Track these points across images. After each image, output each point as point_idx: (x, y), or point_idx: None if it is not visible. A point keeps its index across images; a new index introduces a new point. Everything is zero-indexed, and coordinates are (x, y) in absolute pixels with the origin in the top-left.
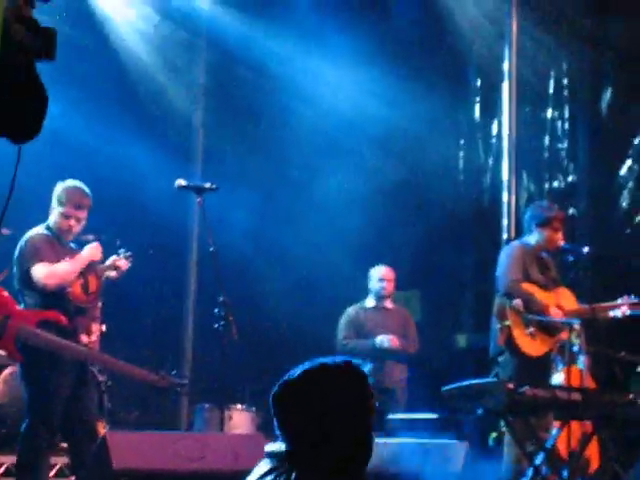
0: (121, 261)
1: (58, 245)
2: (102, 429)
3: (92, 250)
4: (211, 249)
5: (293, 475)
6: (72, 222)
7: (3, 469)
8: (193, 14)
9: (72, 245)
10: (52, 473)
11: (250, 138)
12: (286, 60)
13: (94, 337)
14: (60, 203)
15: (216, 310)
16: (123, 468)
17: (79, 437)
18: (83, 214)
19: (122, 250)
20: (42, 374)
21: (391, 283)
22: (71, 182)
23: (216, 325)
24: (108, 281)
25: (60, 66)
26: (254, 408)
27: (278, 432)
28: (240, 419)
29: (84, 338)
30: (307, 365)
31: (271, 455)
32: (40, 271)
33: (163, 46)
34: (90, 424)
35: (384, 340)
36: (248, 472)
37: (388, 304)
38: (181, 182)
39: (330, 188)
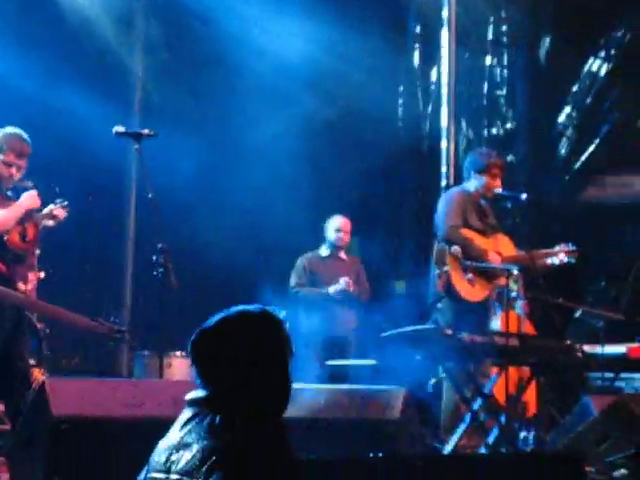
0: (58, 210)
1: None
2: (41, 376)
3: (30, 198)
4: (149, 196)
5: (216, 419)
6: (13, 170)
7: None
8: None
9: (9, 193)
10: None
11: (190, 85)
12: (226, 7)
13: (31, 285)
14: (0, 150)
15: (154, 257)
16: (62, 414)
17: (13, 384)
18: (24, 162)
19: (59, 200)
20: None
21: (347, 234)
22: (10, 129)
23: (155, 272)
24: (45, 229)
25: None
26: None
27: (197, 380)
28: (179, 366)
29: (21, 286)
30: (224, 313)
31: (191, 403)
32: None
33: None
34: (25, 372)
35: (342, 282)
36: None
37: (342, 254)
38: (119, 128)
39: (271, 134)
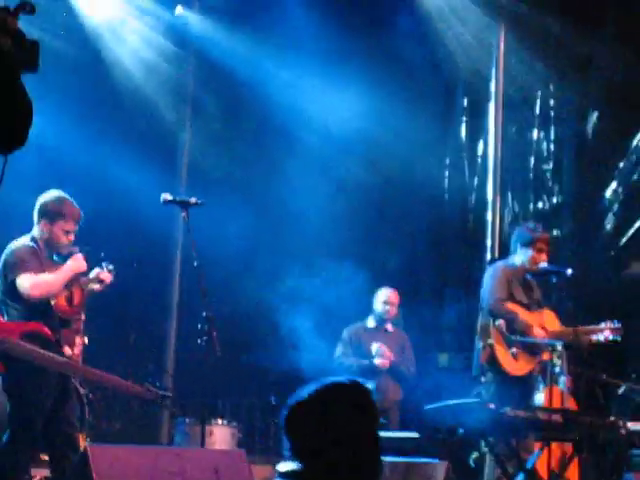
0: (104, 274)
1: (43, 257)
2: (83, 442)
3: (77, 262)
4: (195, 264)
5: None
6: (71, 237)
7: None
8: (183, 29)
9: (55, 258)
10: None
11: (237, 153)
12: (276, 77)
13: (77, 350)
14: (61, 217)
15: (199, 325)
16: None
17: (60, 449)
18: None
19: (105, 263)
20: (24, 386)
21: (394, 307)
22: (58, 194)
23: (199, 340)
24: (91, 294)
25: (47, 78)
26: (235, 423)
27: (289, 452)
28: (221, 434)
29: (67, 350)
30: (316, 385)
31: (284, 476)
32: (25, 281)
33: (152, 60)
34: (71, 436)
35: (374, 348)
36: None
37: (389, 327)
38: (166, 196)
39: (317, 202)
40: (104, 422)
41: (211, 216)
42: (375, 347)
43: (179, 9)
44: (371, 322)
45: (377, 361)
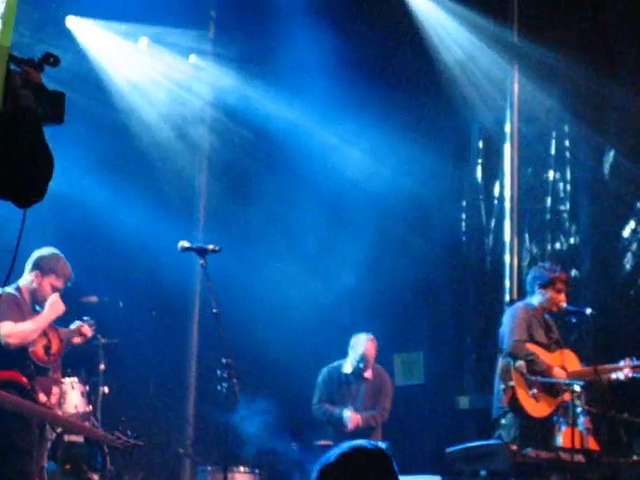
0: (85, 328)
1: (26, 306)
2: None
3: (54, 307)
4: (214, 310)
5: None
6: (57, 294)
7: None
8: (198, 78)
9: (37, 308)
10: None
11: (253, 200)
12: (290, 123)
13: (54, 398)
14: (53, 273)
15: (219, 372)
16: None
17: None
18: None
19: (87, 318)
20: (8, 433)
21: (370, 360)
22: (58, 253)
23: (219, 387)
24: (69, 345)
25: (66, 130)
26: (257, 470)
27: None
28: None
29: (42, 398)
30: (341, 449)
31: None
32: (3, 329)
33: (168, 110)
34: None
35: (346, 418)
36: None
37: (366, 374)
38: (184, 244)
39: (333, 250)
40: (126, 472)
41: (226, 262)
42: (345, 414)
43: (192, 58)
44: (348, 367)
45: (346, 422)
